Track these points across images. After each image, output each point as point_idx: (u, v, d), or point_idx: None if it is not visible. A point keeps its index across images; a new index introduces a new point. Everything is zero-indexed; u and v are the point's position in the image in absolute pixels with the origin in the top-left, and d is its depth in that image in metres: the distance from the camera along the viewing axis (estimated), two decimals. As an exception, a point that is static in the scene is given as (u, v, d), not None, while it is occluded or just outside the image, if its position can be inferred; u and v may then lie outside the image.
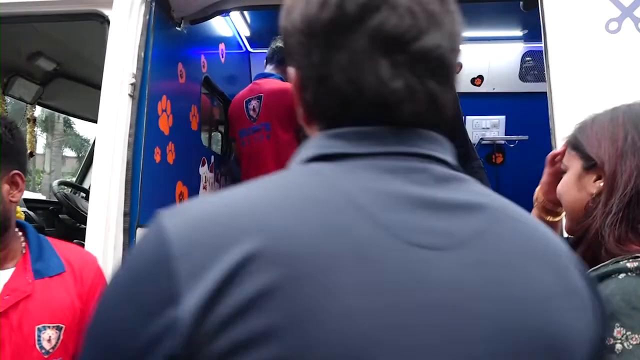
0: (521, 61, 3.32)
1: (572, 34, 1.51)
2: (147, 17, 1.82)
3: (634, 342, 0.69)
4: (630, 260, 0.76)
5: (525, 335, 0.47)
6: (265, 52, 2.90)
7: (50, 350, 1.06)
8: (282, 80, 2.69)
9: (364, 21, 0.50)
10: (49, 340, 1.06)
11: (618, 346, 0.69)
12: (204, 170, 2.47)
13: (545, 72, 1.52)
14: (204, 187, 2.46)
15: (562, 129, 1.48)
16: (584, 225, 0.86)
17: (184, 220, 0.46)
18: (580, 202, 0.90)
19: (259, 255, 0.43)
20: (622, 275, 0.75)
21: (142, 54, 1.79)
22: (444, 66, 0.52)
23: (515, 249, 0.50)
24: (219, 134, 3.19)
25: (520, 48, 3.30)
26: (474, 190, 0.52)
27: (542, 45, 1.54)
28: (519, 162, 3.30)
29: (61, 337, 1.08)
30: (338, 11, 0.50)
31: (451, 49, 0.52)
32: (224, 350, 0.42)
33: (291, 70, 0.57)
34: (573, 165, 0.94)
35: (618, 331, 0.70)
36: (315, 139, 0.54)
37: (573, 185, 0.93)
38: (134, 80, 1.76)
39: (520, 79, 3.34)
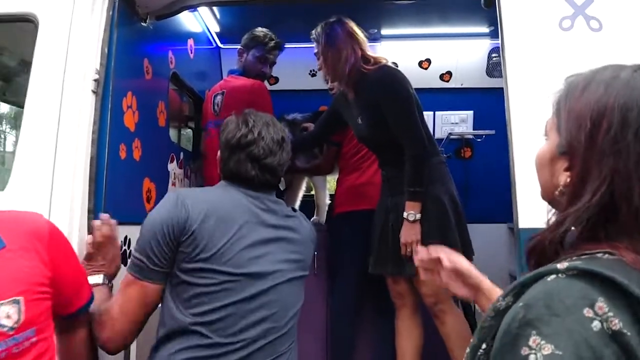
0: (488, 57, 3.38)
1: (528, 31, 1.55)
2: (111, 12, 1.81)
3: (545, 353, 0.62)
4: (562, 261, 0.70)
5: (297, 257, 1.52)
6: (236, 48, 2.91)
7: (15, 326, 1.04)
8: (243, 73, 2.74)
9: (244, 149, 1.51)
10: (8, 317, 1.03)
11: (531, 357, 0.62)
12: (172, 167, 2.46)
13: (502, 68, 1.56)
14: (173, 184, 2.45)
15: (518, 123, 1.53)
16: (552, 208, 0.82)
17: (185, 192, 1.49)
18: (549, 187, 0.83)
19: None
20: (550, 277, 0.69)
21: (106, 50, 1.78)
22: (275, 170, 1.53)
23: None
24: (190, 130, 3.19)
25: (487, 44, 3.37)
26: (285, 209, 1.56)
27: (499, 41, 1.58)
28: (486, 155, 3.38)
29: (22, 308, 1.06)
30: (236, 142, 1.51)
31: (282, 163, 1.54)
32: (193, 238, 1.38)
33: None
34: (551, 138, 0.83)
35: (534, 340, 0.64)
36: (225, 180, 1.57)
37: (546, 165, 0.83)
38: (97, 76, 1.74)
39: (487, 74, 3.41)
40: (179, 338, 1.36)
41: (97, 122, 1.72)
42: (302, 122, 3.07)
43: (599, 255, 0.71)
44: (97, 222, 1.60)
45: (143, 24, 2.09)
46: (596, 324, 0.62)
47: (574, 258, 0.71)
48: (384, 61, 2.24)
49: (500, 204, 2.21)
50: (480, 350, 0.73)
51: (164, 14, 2.14)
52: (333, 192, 3.26)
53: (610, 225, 0.73)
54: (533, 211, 1.46)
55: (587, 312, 0.63)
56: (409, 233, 2.08)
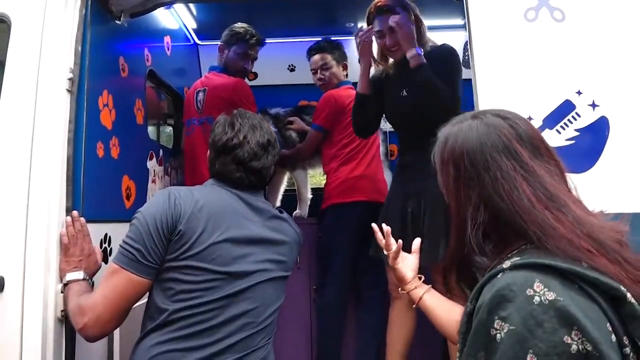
0: (463, 49, 3.42)
1: (494, 22, 1.59)
2: (84, 11, 1.81)
3: (505, 330, 0.82)
4: (507, 259, 0.90)
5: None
6: (215, 44, 2.92)
7: None
8: (224, 70, 2.74)
9: (230, 152, 1.56)
10: None
11: (497, 336, 0.82)
12: (152, 164, 2.46)
13: (470, 59, 1.60)
14: (153, 181, 2.46)
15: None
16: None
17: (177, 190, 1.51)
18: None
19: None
20: (500, 275, 0.87)
21: (79, 49, 1.78)
22: (260, 173, 1.57)
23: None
24: (169, 127, 3.19)
25: (462, 36, 3.40)
26: (273, 210, 1.60)
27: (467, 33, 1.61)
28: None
29: None
30: (222, 145, 1.57)
31: (267, 166, 1.58)
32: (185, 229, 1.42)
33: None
34: (441, 186, 1.05)
35: (497, 323, 0.83)
36: (212, 179, 1.61)
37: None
38: (71, 75, 1.75)
39: (463, 65, 3.44)
40: (160, 331, 1.39)
41: (73, 120, 1.73)
42: (285, 117, 3.09)
43: (524, 247, 0.92)
44: (67, 219, 1.65)
45: (117, 21, 2.09)
46: (537, 299, 0.82)
47: (509, 256, 0.91)
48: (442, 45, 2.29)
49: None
50: (465, 348, 0.90)
51: (138, 11, 2.15)
52: (315, 187, 3.30)
53: (506, 230, 0.94)
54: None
55: (529, 292, 0.83)
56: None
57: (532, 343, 0.79)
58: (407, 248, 2.18)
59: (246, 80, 2.94)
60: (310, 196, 3.17)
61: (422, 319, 2.28)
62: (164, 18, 2.86)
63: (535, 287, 0.82)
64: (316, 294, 2.78)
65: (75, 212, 1.66)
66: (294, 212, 3.09)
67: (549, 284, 0.82)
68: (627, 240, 0.92)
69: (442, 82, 2.07)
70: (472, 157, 0.95)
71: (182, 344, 1.37)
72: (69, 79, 1.74)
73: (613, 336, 0.81)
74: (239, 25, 2.83)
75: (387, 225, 2.25)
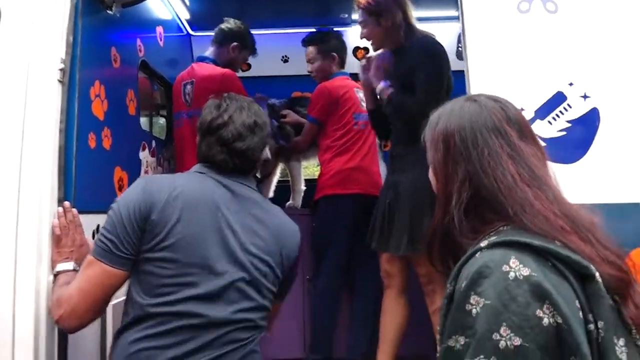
0: (458, 40, 3.42)
1: (487, 13, 1.59)
2: (75, 1, 1.80)
3: (480, 305, 0.84)
4: (482, 240, 0.93)
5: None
6: (208, 35, 2.90)
7: None
8: (216, 63, 2.70)
9: (215, 132, 1.49)
10: None
11: (473, 311, 0.85)
12: (144, 155, 2.46)
13: (463, 50, 1.60)
14: (145, 172, 2.46)
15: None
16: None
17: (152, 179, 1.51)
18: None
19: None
20: (478, 254, 0.90)
21: (71, 39, 1.76)
22: (245, 155, 1.48)
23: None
24: (162, 118, 3.17)
25: (456, 27, 3.40)
26: (258, 199, 1.52)
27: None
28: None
29: None
30: (207, 125, 1.51)
31: (252, 147, 1.49)
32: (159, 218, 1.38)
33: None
34: (430, 162, 1.08)
35: (473, 298, 0.86)
36: (198, 165, 1.54)
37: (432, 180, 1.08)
38: (62, 65, 1.73)
39: (457, 57, 3.44)
40: (139, 326, 1.35)
41: (64, 111, 1.71)
42: (281, 109, 3.09)
43: (501, 228, 0.94)
44: (59, 210, 1.64)
45: (109, 11, 2.07)
46: (512, 274, 0.85)
47: (487, 236, 0.93)
48: (430, 35, 2.26)
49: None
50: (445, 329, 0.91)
51: (130, 1, 2.13)
52: (309, 178, 3.31)
53: (485, 210, 0.97)
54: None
55: (505, 268, 0.86)
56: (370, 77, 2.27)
57: (506, 316, 0.82)
58: (385, 238, 2.23)
59: (240, 71, 2.94)
60: (304, 187, 3.18)
61: (414, 307, 2.33)
62: (157, 8, 2.84)
63: (511, 264, 0.85)
64: (309, 284, 2.79)
65: (67, 203, 1.65)
66: (287, 203, 3.10)
67: (523, 261, 0.85)
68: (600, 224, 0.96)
69: (410, 98, 2.10)
70: (463, 133, 0.99)
71: (159, 341, 1.33)
72: (60, 70, 1.72)
73: (580, 313, 0.84)
74: (243, 27, 2.82)
75: (375, 215, 2.32)
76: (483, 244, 0.91)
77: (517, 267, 0.85)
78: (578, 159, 1.51)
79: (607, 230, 0.94)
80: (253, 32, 2.93)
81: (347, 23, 3.31)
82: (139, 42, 2.49)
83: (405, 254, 2.13)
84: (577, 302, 0.84)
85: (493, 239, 0.91)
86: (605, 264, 0.89)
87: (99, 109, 1.95)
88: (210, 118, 1.50)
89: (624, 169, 1.52)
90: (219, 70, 2.65)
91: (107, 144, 2.00)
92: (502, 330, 0.82)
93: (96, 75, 1.94)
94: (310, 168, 3.97)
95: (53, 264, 1.59)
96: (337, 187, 2.66)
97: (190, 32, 3.40)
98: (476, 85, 1.60)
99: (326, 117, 2.77)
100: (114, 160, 2.08)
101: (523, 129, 1.00)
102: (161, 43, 2.87)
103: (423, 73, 2.10)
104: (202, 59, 2.80)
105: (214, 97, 1.59)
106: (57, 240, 1.61)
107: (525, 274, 0.84)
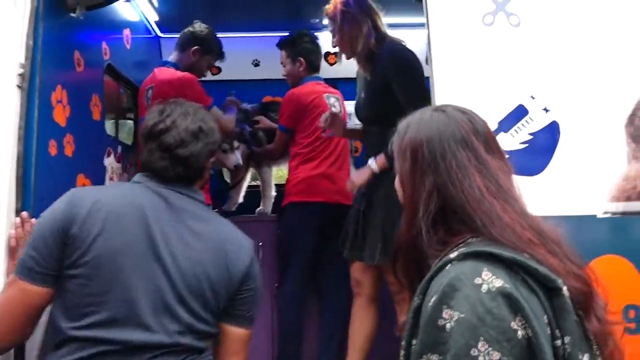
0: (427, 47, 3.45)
1: (452, 25, 1.61)
2: (35, 3, 1.75)
3: (455, 319, 0.83)
4: (452, 251, 0.92)
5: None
6: (177, 37, 2.85)
7: None
8: (178, 68, 2.65)
9: (156, 138, 1.39)
10: None
11: (447, 325, 0.83)
12: (109, 161, 2.41)
13: (428, 60, 1.62)
14: (111, 178, 2.40)
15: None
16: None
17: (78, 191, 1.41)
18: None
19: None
20: (448, 266, 0.89)
21: (31, 43, 1.72)
22: (187, 162, 1.39)
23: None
24: (129, 121, 3.11)
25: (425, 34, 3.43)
26: (197, 210, 1.40)
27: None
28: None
29: None
30: (149, 130, 1.41)
31: (196, 154, 1.40)
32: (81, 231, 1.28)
33: None
34: (397, 171, 1.07)
35: (446, 312, 0.84)
36: (139, 174, 1.44)
37: (399, 191, 1.08)
38: (22, 70, 1.68)
39: (426, 63, 3.47)
40: (55, 353, 1.25)
41: (24, 117, 1.66)
42: (254, 115, 3.06)
43: (470, 240, 0.93)
44: (17, 220, 1.58)
45: (72, 14, 2.02)
46: (484, 287, 0.84)
47: (456, 247, 0.93)
48: (401, 42, 2.26)
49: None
50: (413, 346, 0.91)
51: (95, 4, 2.08)
52: (279, 183, 3.29)
53: (453, 221, 0.96)
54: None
55: (477, 280, 0.85)
56: (360, 175, 2.17)
57: (483, 330, 0.81)
58: (357, 246, 2.24)
59: (209, 74, 2.90)
60: (274, 193, 3.16)
61: (384, 316, 2.34)
62: (124, 10, 2.78)
63: (483, 276, 0.85)
64: (277, 291, 2.78)
65: (24, 214, 1.60)
66: (258, 209, 3.08)
67: (495, 273, 0.85)
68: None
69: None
70: (431, 145, 0.98)
71: None
72: (20, 75, 1.67)
73: (548, 328, 0.84)
74: (214, 35, 2.75)
75: (348, 222, 2.32)
76: (452, 255, 0.90)
77: (490, 279, 0.84)
78: (540, 172, 1.54)
79: (568, 242, 0.96)
80: (223, 35, 2.90)
81: (318, 28, 3.30)
82: (104, 45, 2.44)
83: (380, 264, 2.13)
84: (545, 317, 0.85)
85: (463, 250, 0.90)
86: (570, 277, 0.89)
87: (60, 114, 1.90)
88: (152, 123, 1.40)
89: (582, 181, 1.56)
90: (177, 74, 2.57)
91: (69, 150, 1.95)
92: (480, 345, 0.81)
93: (58, 80, 1.89)
94: (280, 171, 3.95)
95: (8, 276, 1.54)
96: (303, 194, 2.66)
97: (159, 34, 3.35)
98: (441, 94, 1.61)
99: (295, 124, 2.76)
100: (76, 167, 2.03)
101: (490, 142, 1.01)
102: (128, 46, 2.82)
103: (402, 88, 2.10)
104: (164, 64, 2.73)
105: (159, 102, 1.51)
106: (11, 253, 1.55)
107: (498, 286, 0.84)
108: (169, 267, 1.29)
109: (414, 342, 0.90)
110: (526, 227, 0.93)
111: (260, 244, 2.80)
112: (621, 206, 1.57)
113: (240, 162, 2.82)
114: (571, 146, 1.57)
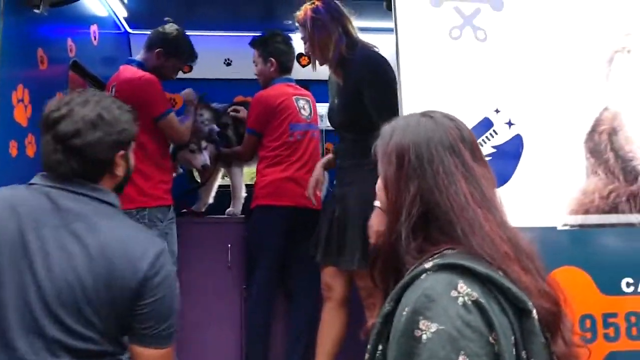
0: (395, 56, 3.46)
1: (420, 37, 1.62)
2: (-5, -1, 1.69)
3: (432, 330, 0.82)
4: (427, 261, 0.91)
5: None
6: (146, 34, 2.79)
7: None
8: (143, 67, 2.59)
9: (51, 128, 1.23)
10: None
11: (424, 336, 0.83)
12: (73, 161, 2.34)
13: (396, 71, 1.63)
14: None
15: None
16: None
17: None
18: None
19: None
20: (423, 276, 0.89)
21: (-9, 41, 1.67)
22: (82, 153, 1.22)
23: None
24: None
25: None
26: (88, 208, 1.23)
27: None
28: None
29: None
30: (44, 120, 1.26)
31: (92, 144, 1.23)
32: None
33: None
34: (381, 175, 1.05)
35: (422, 323, 0.83)
36: (38, 174, 1.30)
37: (380, 195, 1.05)
38: (-19, 69, 1.64)
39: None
40: None
41: (-18, 118, 1.62)
42: (223, 115, 3.03)
43: (446, 252, 0.93)
44: None
45: (36, 10, 1.96)
46: (460, 300, 0.84)
47: (432, 258, 0.92)
48: (373, 47, 2.24)
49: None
50: (378, 353, 0.91)
51: (60, 0, 2.03)
52: (250, 183, 3.27)
53: (433, 229, 0.95)
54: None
55: (453, 293, 0.85)
56: (379, 221, 2.04)
57: (464, 344, 0.81)
58: (331, 251, 2.24)
59: (180, 72, 2.84)
60: (244, 194, 3.14)
61: (352, 320, 2.35)
62: (91, 5, 2.72)
63: (458, 288, 0.85)
64: (245, 293, 2.77)
65: None
66: (227, 210, 3.05)
67: (470, 286, 0.85)
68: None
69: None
70: (418, 150, 0.97)
71: None
72: (-22, 74, 1.63)
73: (514, 349, 0.85)
74: (182, 38, 2.67)
75: (320, 227, 2.31)
76: (427, 265, 0.90)
77: (465, 291, 0.85)
78: (503, 184, 1.57)
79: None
80: (195, 33, 2.86)
81: (291, 29, 3.28)
82: (69, 41, 2.38)
83: (360, 269, 2.13)
84: (512, 337, 0.85)
85: (437, 261, 0.90)
86: (540, 297, 0.90)
87: (21, 114, 1.85)
88: (48, 112, 1.25)
89: (543, 194, 1.59)
90: (138, 74, 2.50)
91: (31, 151, 1.90)
92: (460, 358, 0.80)
93: (19, 79, 1.84)
94: (250, 174, 3.93)
95: None
96: (269, 198, 2.65)
97: (129, 30, 3.28)
98: (409, 103, 1.62)
99: (263, 127, 2.74)
100: (38, 168, 1.97)
101: (475, 150, 1.01)
102: (95, 42, 2.75)
103: (373, 95, 2.10)
104: (129, 62, 2.67)
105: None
106: None
107: (473, 299, 0.84)
108: (41, 277, 1.15)
109: (379, 347, 0.91)
110: (505, 239, 0.93)
111: (230, 245, 2.80)
112: (580, 219, 1.62)
113: (208, 162, 2.79)
114: (533, 159, 1.61)
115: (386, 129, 1.05)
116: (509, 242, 0.93)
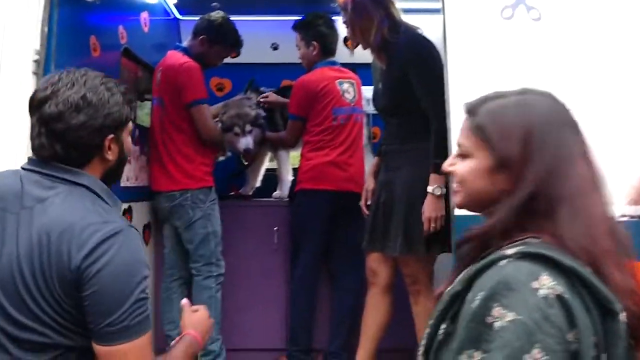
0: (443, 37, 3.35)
1: (470, 18, 1.56)
2: (50, -10, 1.75)
3: (508, 319, 0.78)
4: (510, 247, 0.87)
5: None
6: (196, 20, 2.83)
7: None
8: (188, 53, 2.63)
9: (37, 110, 1.16)
10: None
11: (496, 324, 0.79)
12: (126, 144, 2.42)
13: (443, 54, 1.57)
14: (128, 162, 2.42)
15: (457, 114, 1.55)
16: (488, 212, 0.94)
17: None
18: (488, 193, 0.95)
19: None
20: (502, 262, 0.85)
21: (46, 29, 1.73)
22: (64, 137, 1.14)
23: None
24: (148, 103, 3.13)
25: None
26: (50, 193, 1.14)
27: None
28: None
29: None
30: (30, 101, 1.19)
31: (75, 128, 1.14)
32: None
33: None
34: (481, 157, 0.95)
35: (497, 310, 0.80)
36: (28, 158, 1.23)
37: (482, 177, 0.95)
38: (37, 57, 1.71)
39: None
40: None
41: (40, 104, 1.69)
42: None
43: (529, 240, 0.88)
44: None
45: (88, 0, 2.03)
46: (542, 292, 0.80)
47: (514, 244, 0.87)
48: (417, 28, 2.19)
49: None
50: (441, 330, 0.88)
51: (111, -11, 2.09)
52: (296, 167, 3.29)
53: (530, 213, 0.89)
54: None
55: (535, 284, 0.80)
56: (433, 208, 2.00)
57: (540, 337, 0.77)
58: (376, 237, 2.23)
59: (228, 58, 2.87)
60: (291, 177, 3.16)
61: (397, 305, 2.33)
62: (141, -8, 2.78)
63: (541, 280, 0.81)
64: (290, 276, 2.81)
65: None
66: (274, 193, 3.08)
67: (555, 279, 0.81)
68: None
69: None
70: (540, 129, 0.90)
71: None
72: (35, 61, 1.70)
73: (593, 350, 0.80)
74: (227, 25, 2.69)
75: (368, 212, 2.31)
76: (509, 251, 0.85)
77: (549, 284, 0.80)
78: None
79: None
80: (242, 18, 2.87)
81: (337, 12, 3.24)
82: (121, 28, 2.44)
83: (403, 255, 2.11)
84: (593, 338, 0.80)
85: (522, 248, 0.85)
86: (630, 298, 0.84)
87: (76, 100, 1.91)
88: (35, 93, 1.19)
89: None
90: (181, 60, 2.55)
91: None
92: (535, 351, 0.76)
93: (73, 66, 1.88)
94: (296, 158, 3.95)
95: None
96: (312, 182, 2.65)
97: (178, 16, 3.33)
98: (456, 88, 1.57)
99: (305, 112, 2.72)
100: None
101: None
102: (146, 29, 2.81)
103: (419, 79, 2.05)
104: (175, 47, 2.73)
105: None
106: None
107: (557, 293, 0.80)
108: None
109: (442, 325, 0.88)
110: (606, 231, 0.87)
111: (276, 228, 2.83)
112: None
113: (251, 146, 2.81)
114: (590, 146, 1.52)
115: (494, 105, 0.95)
116: (610, 235, 0.87)
